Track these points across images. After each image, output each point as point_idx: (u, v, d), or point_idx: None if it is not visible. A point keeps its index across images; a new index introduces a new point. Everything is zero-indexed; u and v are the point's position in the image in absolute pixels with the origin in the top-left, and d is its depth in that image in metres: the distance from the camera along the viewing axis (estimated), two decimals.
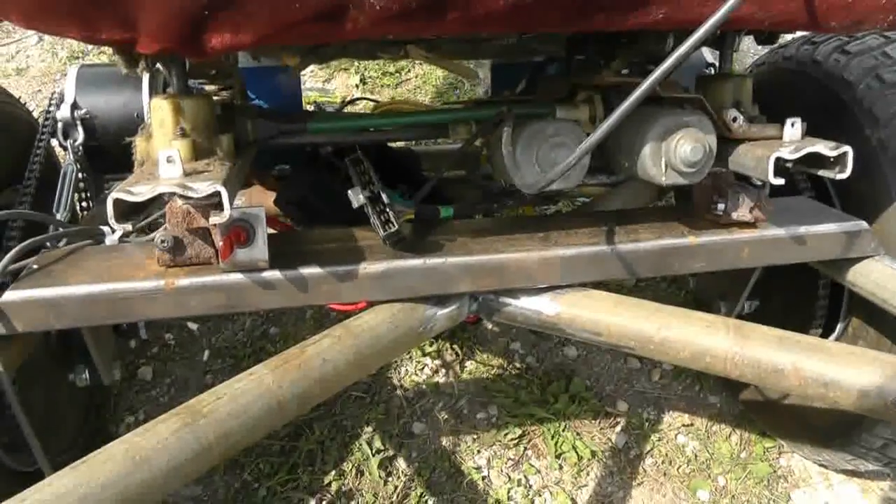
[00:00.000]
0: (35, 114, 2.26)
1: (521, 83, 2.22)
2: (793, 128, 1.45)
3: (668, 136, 1.38)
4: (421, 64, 4.00)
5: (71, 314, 1.28)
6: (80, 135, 2.09)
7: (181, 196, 1.18)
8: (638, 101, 1.12)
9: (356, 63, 4.04)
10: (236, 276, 1.31)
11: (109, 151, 2.11)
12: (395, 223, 1.34)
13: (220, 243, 1.27)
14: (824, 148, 1.38)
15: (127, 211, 1.18)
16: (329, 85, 4.06)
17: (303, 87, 3.93)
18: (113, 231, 1.54)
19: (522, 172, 1.42)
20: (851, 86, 1.76)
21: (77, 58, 4.24)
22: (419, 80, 4.10)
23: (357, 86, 4.03)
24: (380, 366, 2.28)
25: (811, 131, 1.49)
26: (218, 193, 1.15)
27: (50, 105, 2.11)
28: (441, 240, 1.47)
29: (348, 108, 2.68)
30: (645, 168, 1.41)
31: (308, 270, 1.34)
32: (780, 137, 1.46)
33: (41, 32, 1.08)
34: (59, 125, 2.09)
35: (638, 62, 1.75)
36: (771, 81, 2.08)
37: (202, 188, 1.14)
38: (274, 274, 1.33)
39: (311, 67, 4.00)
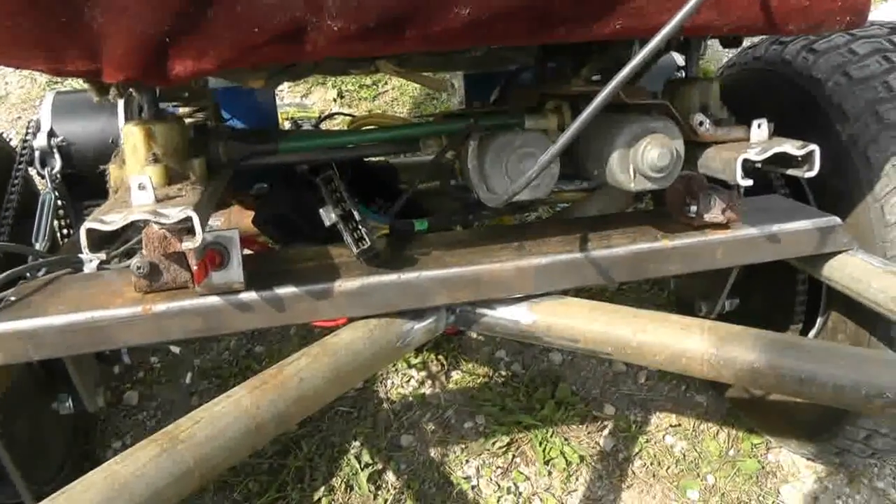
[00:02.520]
0: (14, 142, 2.26)
1: (495, 93, 2.23)
2: (759, 129, 1.47)
3: (634, 142, 1.39)
4: None
5: (50, 344, 1.28)
6: (57, 162, 2.10)
7: (155, 222, 1.18)
8: (594, 114, 1.13)
9: (333, 77, 4.05)
10: (213, 300, 1.32)
11: (88, 178, 2.11)
12: (367, 239, 1.35)
13: (195, 267, 1.27)
14: (791, 147, 1.40)
15: (100, 240, 1.18)
16: (307, 100, 4.08)
17: (281, 102, 3.96)
18: (91, 259, 1.55)
19: (491, 185, 1.44)
20: (820, 83, 1.78)
21: (56, 84, 4.24)
22: (396, 92, 4.12)
23: (335, 100, 4.04)
24: (359, 382, 2.29)
25: (783, 130, 1.51)
26: (190, 218, 1.15)
27: (27, 133, 2.12)
28: (416, 254, 1.48)
29: (326, 123, 2.68)
30: (614, 175, 1.43)
31: (284, 290, 1.35)
32: (748, 139, 1.48)
33: (7, 66, 1.09)
34: (37, 153, 2.09)
35: (608, 69, 1.77)
36: (742, 82, 2.10)
37: (174, 214, 1.15)
38: (250, 295, 1.33)
39: (289, 83, 4.01)
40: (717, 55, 4.19)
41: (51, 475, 1.91)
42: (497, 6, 1.07)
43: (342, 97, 4.07)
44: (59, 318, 1.28)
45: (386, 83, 4.15)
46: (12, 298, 1.37)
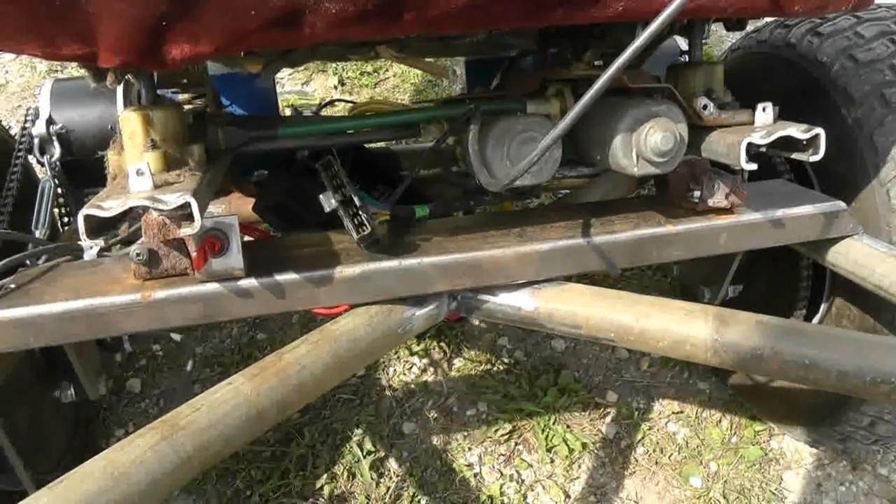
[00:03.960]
0: (14, 130, 2.26)
1: (496, 78, 2.22)
2: (764, 112, 1.46)
3: (637, 126, 1.38)
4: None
5: (49, 332, 1.27)
6: (56, 150, 2.09)
7: (153, 208, 1.17)
8: (596, 97, 1.11)
9: (334, 64, 4.03)
10: (212, 286, 1.31)
11: (88, 165, 2.10)
12: (368, 225, 1.34)
13: (194, 254, 1.26)
14: (796, 131, 1.38)
15: (99, 226, 1.17)
16: (308, 87, 4.06)
17: (282, 90, 3.94)
18: (91, 246, 1.54)
19: (493, 170, 1.42)
20: (825, 67, 1.76)
21: (56, 71, 4.22)
22: (398, 79, 4.10)
23: (336, 87, 4.02)
24: (360, 369, 2.28)
25: (788, 114, 1.49)
26: (189, 204, 1.14)
27: (25, 121, 2.11)
28: (417, 240, 1.47)
29: (327, 110, 2.66)
30: (616, 159, 1.42)
31: (284, 277, 1.34)
32: (752, 123, 1.47)
33: (2, 51, 1.08)
34: (36, 141, 2.08)
35: (612, 53, 1.75)
36: (746, 66, 2.08)
37: (172, 200, 1.14)
38: (250, 282, 1.32)
39: (290, 70, 3.99)
40: (717, 40, 4.17)
41: (53, 464, 1.91)
42: None
43: (343, 84, 4.05)
44: (58, 305, 1.27)
45: (387, 70, 4.13)
46: (12, 286, 1.36)
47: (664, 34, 1.59)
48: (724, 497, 2.15)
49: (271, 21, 1.02)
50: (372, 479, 2.15)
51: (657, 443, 2.29)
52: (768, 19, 2.03)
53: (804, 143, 1.39)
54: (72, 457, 1.99)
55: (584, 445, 2.26)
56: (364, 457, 2.20)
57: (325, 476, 2.16)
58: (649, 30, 1.04)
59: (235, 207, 2.13)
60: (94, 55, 1.07)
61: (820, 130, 1.37)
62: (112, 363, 2.46)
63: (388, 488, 2.13)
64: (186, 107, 1.83)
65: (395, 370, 2.51)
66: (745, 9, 1.25)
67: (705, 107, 1.47)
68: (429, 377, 2.50)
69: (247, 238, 1.83)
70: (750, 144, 1.36)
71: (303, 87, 4.06)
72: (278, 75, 3.52)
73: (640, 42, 1.05)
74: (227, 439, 1.12)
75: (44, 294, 1.31)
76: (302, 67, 3.99)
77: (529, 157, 1.22)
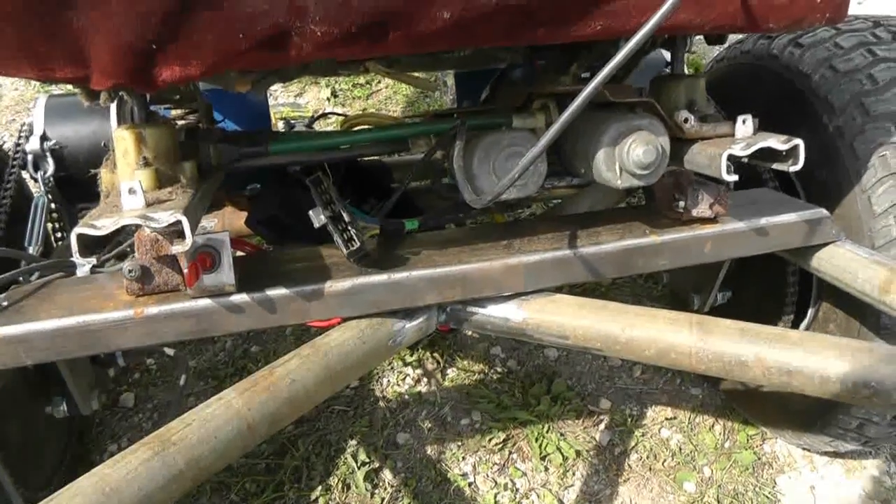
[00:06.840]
0: (8, 145, 2.27)
1: (485, 91, 2.24)
2: (744, 124, 1.48)
3: (620, 140, 1.40)
4: None
5: (42, 349, 1.29)
6: (50, 166, 2.10)
7: (145, 226, 1.19)
8: (572, 118, 1.15)
9: (327, 77, 4.06)
10: (204, 302, 1.33)
11: (81, 181, 2.11)
12: (357, 240, 1.36)
13: (186, 270, 1.28)
14: (776, 142, 1.41)
15: (92, 244, 1.19)
16: (301, 99, 4.08)
17: (275, 102, 3.96)
18: (84, 263, 1.55)
19: (478, 184, 1.45)
20: (807, 77, 1.80)
21: (51, 86, 4.24)
22: (390, 91, 4.12)
23: (328, 99, 4.05)
24: (351, 381, 2.30)
25: (772, 123, 1.52)
26: (180, 222, 1.16)
27: (19, 137, 2.12)
28: (406, 253, 1.49)
29: (319, 123, 2.69)
30: (600, 172, 1.44)
31: (275, 291, 1.36)
32: (733, 134, 1.49)
33: None
34: (29, 157, 2.09)
35: (599, 66, 1.77)
36: (731, 76, 2.12)
37: (163, 218, 1.15)
38: (242, 297, 1.34)
39: (283, 83, 4.01)
40: (708, 50, 4.20)
41: (46, 479, 1.92)
42: (477, 9, 1.08)
43: (336, 96, 4.08)
44: (51, 322, 1.28)
45: (379, 82, 4.15)
46: (4, 303, 1.37)
47: (646, 49, 1.62)
48: (719, 502, 2.16)
49: (259, 43, 1.04)
50: (366, 490, 2.16)
51: (651, 449, 2.31)
52: None
53: (784, 153, 1.42)
54: (64, 473, 2.00)
55: (577, 453, 2.27)
56: (358, 468, 2.21)
57: (319, 488, 2.17)
58: (622, 52, 1.07)
59: (228, 221, 2.15)
60: (86, 77, 1.09)
61: (799, 141, 1.39)
62: (105, 378, 2.46)
63: (383, 499, 2.15)
64: (180, 122, 1.85)
65: (388, 381, 2.52)
66: (721, 26, 1.28)
67: (686, 120, 1.50)
68: (422, 387, 2.51)
69: (238, 253, 1.85)
70: (730, 156, 1.39)
71: (295, 99, 4.09)
72: (271, 88, 3.55)
73: (615, 63, 1.08)
74: (218, 454, 1.14)
75: (37, 311, 1.33)
76: (294, 80, 4.02)
77: (511, 173, 1.24)
